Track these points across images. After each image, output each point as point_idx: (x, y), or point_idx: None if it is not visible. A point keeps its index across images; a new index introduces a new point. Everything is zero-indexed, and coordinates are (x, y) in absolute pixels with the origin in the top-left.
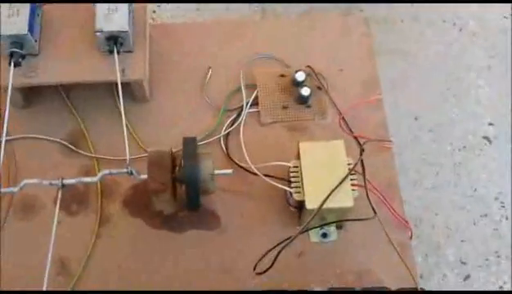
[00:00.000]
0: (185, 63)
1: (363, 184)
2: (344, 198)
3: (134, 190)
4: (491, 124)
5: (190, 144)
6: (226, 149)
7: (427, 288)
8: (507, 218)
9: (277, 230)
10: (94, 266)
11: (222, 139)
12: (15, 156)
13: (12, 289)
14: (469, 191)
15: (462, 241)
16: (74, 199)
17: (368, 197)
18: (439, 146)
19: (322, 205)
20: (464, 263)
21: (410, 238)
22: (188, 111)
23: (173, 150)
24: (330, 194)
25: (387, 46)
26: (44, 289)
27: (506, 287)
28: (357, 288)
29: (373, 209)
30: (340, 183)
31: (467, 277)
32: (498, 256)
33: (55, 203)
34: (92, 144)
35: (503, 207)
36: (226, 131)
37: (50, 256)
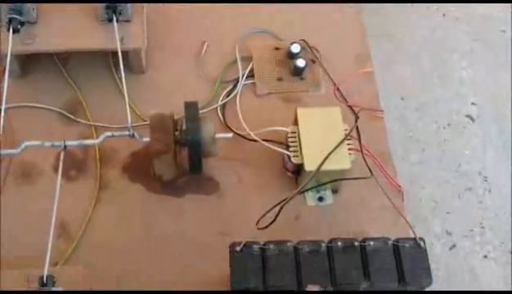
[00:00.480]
0: (180, 37)
1: (358, 148)
2: (342, 161)
3: (133, 157)
4: (473, 104)
5: (192, 107)
6: (224, 118)
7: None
8: (490, 191)
9: (275, 195)
10: (94, 229)
11: (218, 109)
12: (11, 125)
13: (12, 253)
14: (454, 166)
15: (448, 213)
16: (72, 165)
17: (364, 158)
18: (425, 124)
19: (321, 166)
20: (449, 233)
21: (402, 200)
22: (185, 83)
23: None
24: (328, 156)
25: (374, 29)
26: (48, 252)
27: (490, 257)
28: (358, 240)
29: (369, 169)
30: (338, 145)
31: (453, 246)
32: (482, 227)
33: (53, 169)
34: (90, 113)
35: (486, 181)
36: (223, 102)
37: (54, 218)
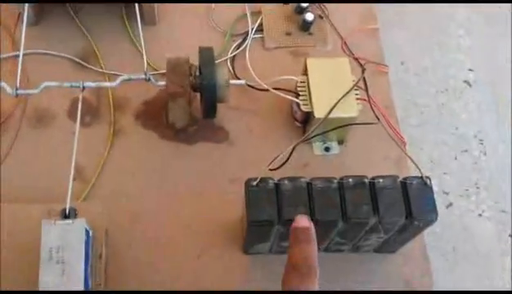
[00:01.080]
0: None
1: (365, 98)
2: (350, 109)
3: (145, 106)
4: (470, 70)
5: (206, 52)
6: (234, 70)
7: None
8: (485, 153)
9: (284, 143)
10: (108, 173)
11: (228, 61)
12: (26, 70)
13: (29, 194)
14: (451, 129)
15: (444, 173)
16: (86, 112)
17: (372, 107)
18: (423, 88)
19: (330, 113)
20: (446, 193)
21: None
22: (196, 36)
23: None
24: (336, 103)
25: None
26: (69, 192)
27: (485, 215)
28: (368, 178)
29: (376, 116)
30: (346, 93)
31: (449, 205)
32: (477, 187)
33: (68, 114)
34: (103, 62)
35: (481, 143)
36: (233, 54)
37: (74, 159)
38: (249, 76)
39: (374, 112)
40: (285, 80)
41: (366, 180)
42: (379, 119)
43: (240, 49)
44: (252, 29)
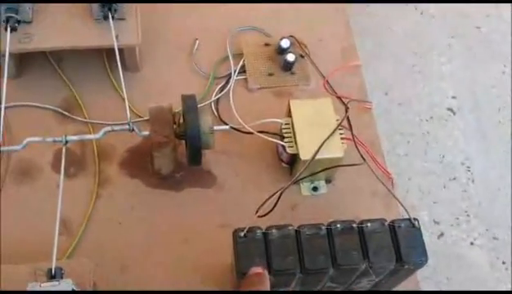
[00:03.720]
0: (172, 35)
1: (350, 137)
2: (335, 149)
3: (130, 153)
4: (454, 97)
5: (189, 100)
6: (218, 113)
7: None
8: (473, 181)
9: (271, 186)
10: (95, 225)
11: (212, 104)
12: (9, 124)
13: (15, 251)
14: (438, 158)
15: (434, 202)
16: (71, 163)
17: (357, 146)
18: (408, 118)
19: (316, 155)
20: (437, 222)
21: (393, 186)
22: (178, 80)
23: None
24: (322, 144)
25: (354, 28)
26: (55, 244)
27: (477, 243)
28: (356, 222)
29: (362, 156)
30: (331, 134)
31: (441, 235)
32: (468, 215)
33: (52, 167)
34: (86, 111)
35: (469, 171)
36: (217, 97)
37: (58, 214)
38: (234, 118)
39: (359, 151)
40: (269, 122)
41: (355, 225)
42: (364, 159)
43: (224, 91)
44: (235, 71)
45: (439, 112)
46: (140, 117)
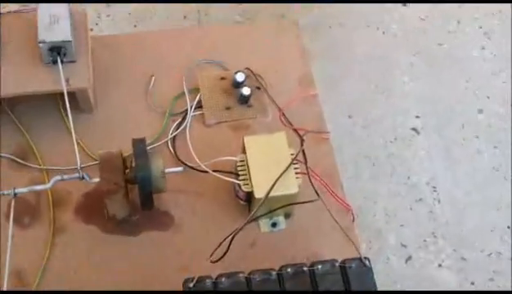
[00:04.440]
0: (127, 72)
1: (306, 171)
2: (290, 185)
3: (85, 198)
4: (417, 116)
5: (139, 144)
6: (174, 151)
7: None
8: (439, 201)
9: (229, 224)
10: (50, 274)
11: (169, 142)
12: None
13: None
14: (403, 179)
15: (401, 225)
16: (25, 212)
17: (311, 182)
18: (373, 140)
19: (269, 192)
20: (404, 246)
21: (353, 220)
22: (134, 118)
23: (124, 155)
24: (275, 182)
25: (317, 51)
26: None
27: (445, 265)
28: (307, 264)
29: (316, 192)
30: (284, 171)
31: (408, 258)
32: (435, 236)
33: (6, 217)
34: (41, 157)
35: (435, 191)
36: (173, 135)
37: (7, 267)
38: (192, 156)
39: (313, 187)
40: (225, 161)
41: (306, 268)
42: (318, 195)
43: (181, 128)
44: (191, 107)
45: (403, 132)
46: (95, 160)
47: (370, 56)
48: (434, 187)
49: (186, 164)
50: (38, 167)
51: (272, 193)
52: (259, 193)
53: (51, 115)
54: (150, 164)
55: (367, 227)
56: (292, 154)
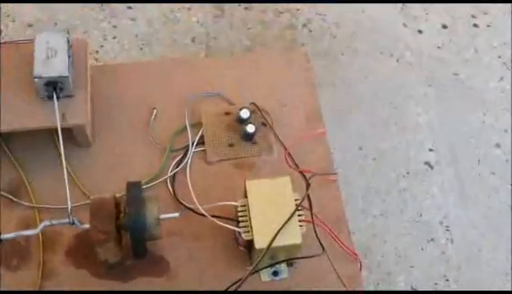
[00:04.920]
0: (129, 104)
1: (311, 219)
2: (293, 235)
3: (77, 239)
4: (431, 150)
5: (133, 188)
6: (173, 190)
7: None
8: (452, 241)
9: (228, 271)
10: None
11: (168, 180)
12: None
13: None
14: (415, 216)
15: (411, 267)
16: (14, 253)
17: (316, 233)
18: (384, 174)
19: (271, 244)
20: (414, 288)
21: (360, 269)
22: (133, 153)
23: (118, 195)
24: (277, 233)
25: (329, 79)
26: None
27: None
28: None
29: (321, 245)
30: (287, 220)
31: None
32: (447, 280)
33: None
34: (34, 194)
35: (448, 230)
36: (173, 172)
37: None
38: (191, 196)
39: (318, 240)
40: (226, 205)
41: None
42: (323, 248)
43: (181, 166)
44: (193, 143)
45: (416, 166)
46: (88, 197)
47: (382, 85)
48: (447, 226)
49: (185, 205)
50: (30, 204)
51: (274, 244)
52: (260, 244)
53: (47, 151)
54: (143, 211)
55: (375, 268)
56: (296, 200)
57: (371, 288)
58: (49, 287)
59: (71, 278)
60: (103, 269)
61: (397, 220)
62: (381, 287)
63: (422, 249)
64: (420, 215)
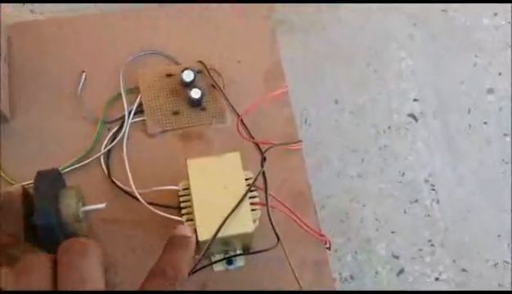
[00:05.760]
0: (54, 68)
1: (265, 202)
2: (243, 223)
3: None
4: (415, 100)
5: (43, 180)
6: (108, 170)
7: (359, 288)
8: (438, 202)
9: None
10: None
11: (102, 158)
12: None
13: None
14: (397, 176)
15: (392, 232)
16: None
17: (270, 219)
18: (362, 130)
19: (216, 235)
20: (396, 257)
21: (329, 249)
22: (60, 128)
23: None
24: (224, 222)
25: (297, 24)
26: None
27: (442, 278)
28: None
29: (276, 234)
30: (236, 206)
31: (400, 271)
32: (432, 245)
33: None
34: None
35: (433, 190)
36: (107, 148)
37: None
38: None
39: (274, 228)
40: (167, 190)
41: None
42: (279, 239)
43: (117, 140)
44: (129, 112)
45: (398, 119)
46: (11, 183)
47: (361, 26)
48: (433, 185)
49: (121, 188)
50: None
51: (221, 234)
52: (204, 235)
53: None
54: (57, 208)
55: (353, 235)
56: (249, 179)
57: (349, 258)
58: None
59: None
60: None
61: (377, 180)
62: (359, 257)
63: (405, 212)
64: (403, 174)
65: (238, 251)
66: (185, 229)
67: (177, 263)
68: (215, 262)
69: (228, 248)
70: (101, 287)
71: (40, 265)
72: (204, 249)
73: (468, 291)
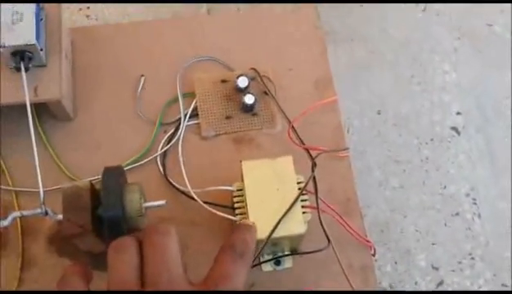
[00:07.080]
0: (115, 71)
1: (316, 205)
2: (295, 224)
3: (60, 225)
4: (459, 113)
5: (110, 176)
6: (164, 170)
7: None
8: (479, 216)
9: None
10: None
11: (158, 158)
12: None
13: None
14: (439, 189)
15: (433, 244)
16: None
17: (321, 222)
18: (405, 141)
19: (270, 236)
20: (435, 268)
21: (374, 255)
22: (119, 128)
23: (96, 181)
24: (278, 223)
25: (344, 33)
26: None
27: (482, 291)
28: None
29: (327, 237)
30: (289, 208)
31: (440, 283)
32: (472, 258)
33: None
34: (10, 176)
35: (475, 203)
36: (163, 150)
37: None
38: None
39: (324, 231)
40: (221, 191)
41: None
42: (329, 241)
43: (173, 142)
44: (185, 116)
45: (441, 132)
46: (71, 179)
47: (406, 39)
48: (474, 199)
49: (177, 188)
50: (8, 188)
51: (275, 235)
52: (258, 235)
53: (24, 125)
54: (122, 204)
55: (393, 246)
56: (300, 183)
57: (388, 269)
58: (29, 277)
59: (53, 268)
60: (87, 258)
61: (419, 192)
62: (399, 267)
63: (445, 224)
64: (444, 187)
65: (286, 253)
66: (248, 221)
67: (245, 239)
68: (264, 262)
69: (276, 249)
70: (179, 267)
71: (132, 244)
72: (259, 248)
73: (469, 291)
